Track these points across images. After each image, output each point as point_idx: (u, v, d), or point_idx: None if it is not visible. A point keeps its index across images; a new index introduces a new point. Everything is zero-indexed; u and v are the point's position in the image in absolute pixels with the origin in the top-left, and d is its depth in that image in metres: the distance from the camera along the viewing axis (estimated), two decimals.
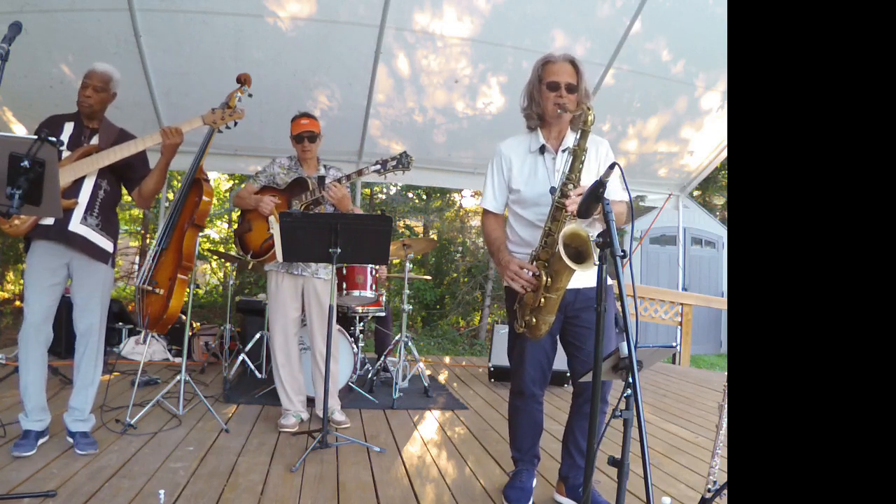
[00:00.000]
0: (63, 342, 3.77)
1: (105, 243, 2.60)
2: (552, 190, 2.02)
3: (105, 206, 2.60)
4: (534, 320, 2.05)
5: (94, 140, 2.59)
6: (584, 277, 2.11)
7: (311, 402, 3.43)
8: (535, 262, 2.04)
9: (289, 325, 3.21)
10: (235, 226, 3.42)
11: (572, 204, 1.92)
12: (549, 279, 1.97)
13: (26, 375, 2.50)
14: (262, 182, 3.25)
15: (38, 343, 2.51)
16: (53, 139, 1.70)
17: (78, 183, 2.50)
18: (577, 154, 1.96)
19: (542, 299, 2.00)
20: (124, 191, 2.75)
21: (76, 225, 2.50)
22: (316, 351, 3.24)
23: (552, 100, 2.10)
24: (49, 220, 2.45)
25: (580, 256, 1.88)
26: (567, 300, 2.16)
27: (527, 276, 2.03)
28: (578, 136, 1.95)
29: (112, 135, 2.63)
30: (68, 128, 2.58)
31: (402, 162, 3.06)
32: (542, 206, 2.08)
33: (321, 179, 3.12)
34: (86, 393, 2.61)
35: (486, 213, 2.33)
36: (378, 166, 3.09)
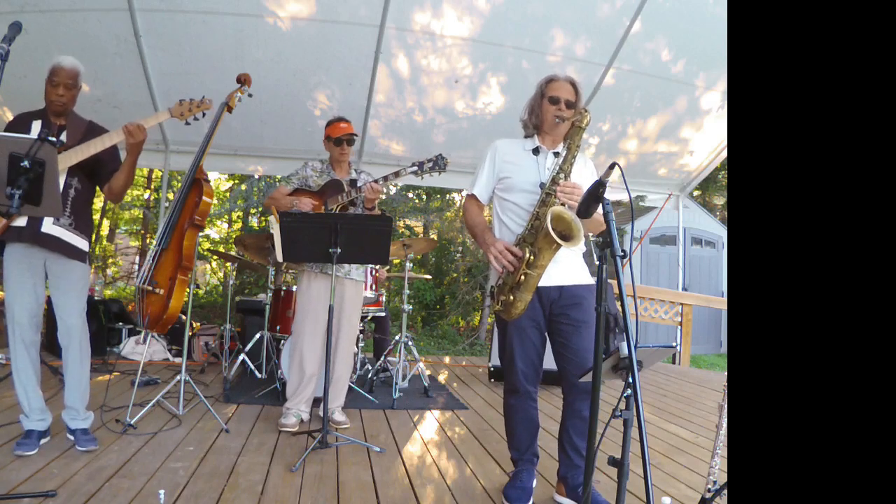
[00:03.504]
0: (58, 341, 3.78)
1: (80, 242, 2.56)
2: (541, 185, 2.17)
3: (77, 205, 2.55)
4: (511, 298, 2.13)
5: (63, 137, 2.53)
6: (567, 275, 2.25)
7: (317, 402, 3.43)
8: (519, 245, 2.15)
9: (318, 323, 3.21)
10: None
11: (561, 193, 2.08)
12: (532, 256, 2.07)
13: (21, 378, 2.49)
14: (295, 184, 3.28)
15: (29, 345, 2.49)
16: (53, 139, 1.70)
17: None
18: (571, 148, 2.14)
19: (523, 276, 2.09)
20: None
21: (49, 226, 2.46)
22: (334, 352, 3.24)
23: (552, 111, 2.27)
24: (21, 222, 2.40)
25: (563, 239, 1.99)
26: (552, 297, 2.24)
27: (510, 257, 2.13)
28: (573, 134, 2.13)
29: (80, 130, 2.57)
30: (36, 126, 2.51)
31: (439, 164, 3.08)
32: (530, 194, 2.22)
33: (353, 182, 3.17)
34: (78, 390, 2.59)
35: (470, 198, 2.43)
36: (415, 168, 3.10)
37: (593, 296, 2.06)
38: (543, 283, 2.17)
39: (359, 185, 3.14)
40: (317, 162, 3.37)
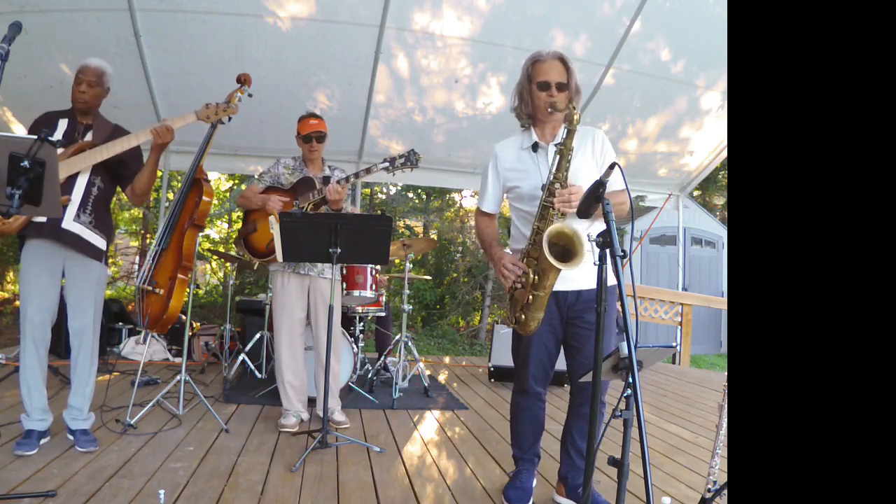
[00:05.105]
0: (63, 342, 3.79)
1: (99, 241, 2.58)
2: (543, 187, 2.04)
3: (98, 204, 2.58)
4: (523, 317, 2.08)
5: (89, 136, 2.58)
6: (585, 279, 2.13)
7: (312, 402, 3.43)
8: (525, 259, 2.07)
9: (294, 325, 3.21)
10: (237, 226, 3.42)
11: (559, 203, 1.96)
12: (536, 277, 1.99)
13: (27, 376, 2.50)
14: (267, 182, 3.25)
15: (39, 343, 2.50)
16: (53, 139, 1.70)
17: (71, 180, 2.49)
18: (563, 153, 1.98)
19: (530, 297, 2.02)
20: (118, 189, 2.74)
21: (69, 223, 2.48)
22: (320, 351, 3.24)
23: (543, 99, 2.09)
24: (42, 218, 2.43)
25: (567, 255, 1.91)
26: (569, 301, 2.18)
27: (517, 272, 2.07)
28: (564, 136, 1.97)
29: (106, 131, 2.61)
30: (62, 124, 2.56)
31: (411, 159, 3.05)
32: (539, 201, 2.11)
33: (326, 179, 3.12)
34: (83, 391, 2.61)
35: (480, 213, 2.37)
36: (386, 164, 3.08)
37: (611, 297, 2.00)
38: (561, 287, 2.09)
39: (333, 181, 3.07)
40: (289, 159, 3.33)
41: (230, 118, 2.82)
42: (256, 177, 3.35)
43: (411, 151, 3.06)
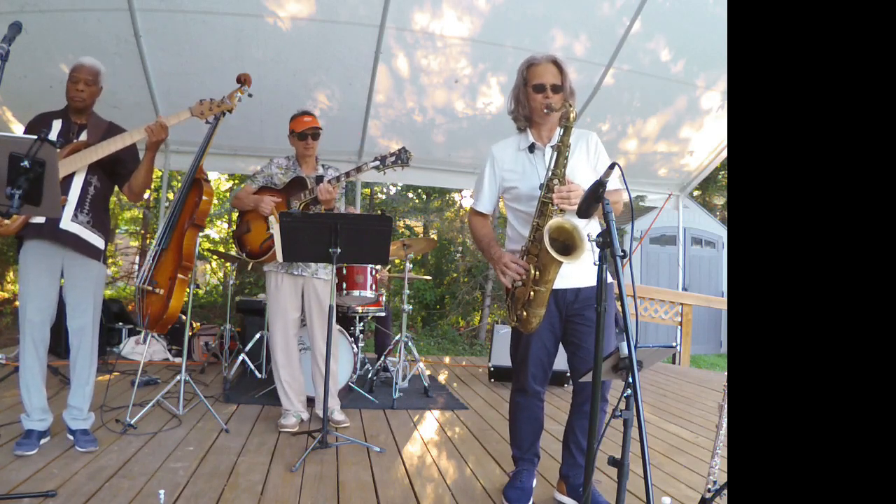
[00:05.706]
0: (63, 342, 3.80)
1: (97, 240, 2.58)
2: (541, 186, 2.06)
3: (96, 203, 2.58)
4: (524, 314, 2.08)
5: (83, 135, 2.58)
6: (584, 277, 2.15)
7: (310, 401, 3.43)
8: (525, 257, 2.08)
9: (289, 325, 3.21)
10: (235, 226, 3.41)
11: (558, 199, 1.98)
12: (538, 272, 2.00)
13: (27, 376, 2.50)
14: (260, 182, 3.25)
15: (38, 343, 2.50)
16: (53, 139, 1.70)
17: (67, 180, 2.48)
18: (561, 150, 2.01)
19: (532, 293, 2.03)
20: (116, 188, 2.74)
21: (67, 223, 2.48)
22: (316, 351, 3.25)
23: (539, 101, 2.13)
24: (40, 219, 2.43)
25: (566, 250, 1.92)
26: (568, 299, 2.19)
27: (517, 269, 2.07)
28: (561, 133, 2.00)
29: (101, 129, 2.61)
30: (56, 125, 2.55)
31: (402, 158, 3.04)
32: (537, 201, 2.12)
33: (319, 179, 3.11)
34: (83, 391, 2.62)
35: (474, 213, 2.38)
36: (377, 163, 3.07)
37: (609, 296, 2.03)
38: (560, 285, 2.09)
39: (325, 180, 3.06)
40: (282, 159, 3.32)
41: (225, 113, 2.80)
42: (252, 177, 3.35)
43: (402, 150, 3.04)
